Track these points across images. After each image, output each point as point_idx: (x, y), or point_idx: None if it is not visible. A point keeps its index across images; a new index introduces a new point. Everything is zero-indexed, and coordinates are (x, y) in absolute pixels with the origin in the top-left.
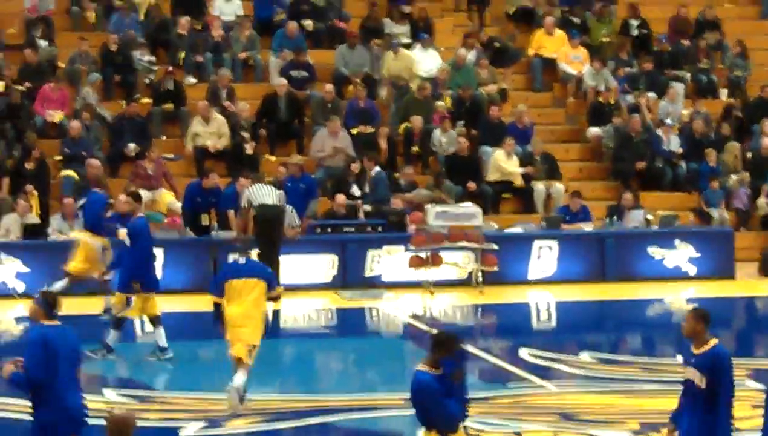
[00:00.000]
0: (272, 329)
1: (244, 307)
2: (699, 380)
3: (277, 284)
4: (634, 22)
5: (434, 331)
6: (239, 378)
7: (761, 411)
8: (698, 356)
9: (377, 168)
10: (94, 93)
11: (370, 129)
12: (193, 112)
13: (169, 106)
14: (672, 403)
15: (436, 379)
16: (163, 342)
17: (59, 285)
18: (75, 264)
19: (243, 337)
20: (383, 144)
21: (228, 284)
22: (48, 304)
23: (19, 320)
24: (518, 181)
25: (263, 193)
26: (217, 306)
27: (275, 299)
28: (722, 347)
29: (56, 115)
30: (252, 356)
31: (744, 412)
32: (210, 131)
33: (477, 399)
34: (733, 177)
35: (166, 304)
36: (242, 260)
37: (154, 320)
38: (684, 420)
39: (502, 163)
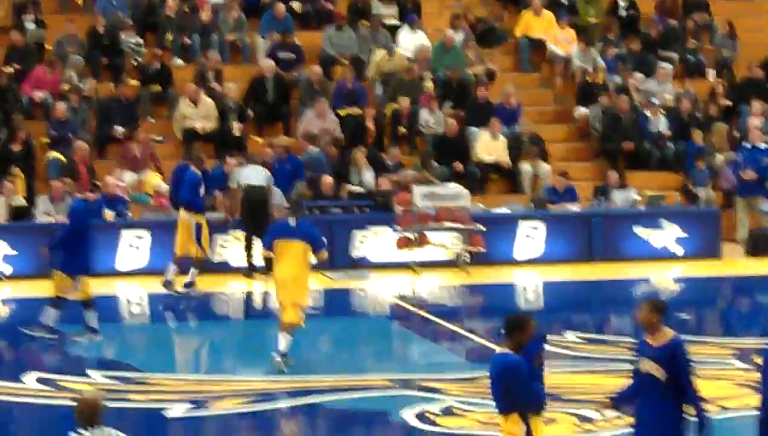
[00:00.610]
0: (258, 310)
1: (290, 268)
2: (658, 371)
3: (323, 247)
4: (623, 3)
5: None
6: (282, 343)
7: (746, 390)
8: (657, 349)
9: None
10: (76, 75)
11: (357, 111)
12: (180, 94)
13: (157, 88)
14: None
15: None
16: (50, 322)
17: (172, 270)
18: (179, 247)
19: (290, 297)
20: (371, 125)
21: (276, 244)
22: None
23: (6, 302)
24: (504, 163)
25: (251, 175)
26: (268, 260)
27: (321, 262)
28: (679, 338)
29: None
30: (301, 316)
31: (729, 391)
32: (199, 114)
33: (463, 379)
34: (720, 157)
35: (153, 285)
36: (292, 222)
37: (58, 302)
38: (645, 413)
39: (482, 152)
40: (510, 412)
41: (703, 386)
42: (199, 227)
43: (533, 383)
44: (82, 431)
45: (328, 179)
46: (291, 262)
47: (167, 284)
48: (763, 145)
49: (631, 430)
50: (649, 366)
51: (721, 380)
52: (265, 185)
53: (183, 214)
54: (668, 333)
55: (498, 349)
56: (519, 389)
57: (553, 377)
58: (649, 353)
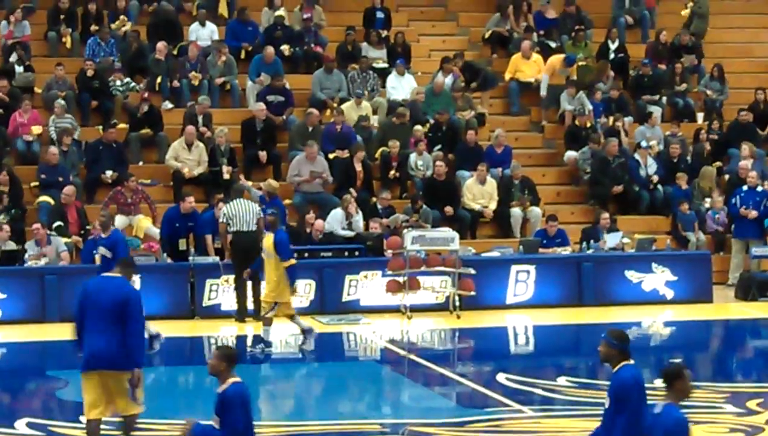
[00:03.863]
0: (248, 354)
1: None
2: (214, 419)
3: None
4: (612, 46)
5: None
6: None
7: (740, 435)
8: (217, 395)
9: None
10: (57, 118)
11: (346, 154)
12: (172, 137)
13: (147, 131)
14: None
15: None
16: None
17: None
18: None
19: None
20: (359, 167)
21: None
22: None
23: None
24: (491, 209)
25: (241, 213)
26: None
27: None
28: (236, 386)
29: (35, 130)
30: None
31: None
32: (191, 158)
33: (454, 424)
34: (707, 201)
35: (158, 329)
36: None
37: None
38: None
39: (469, 199)
40: None
41: (696, 431)
42: None
43: None
44: None
45: (319, 224)
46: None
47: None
48: (759, 188)
49: None
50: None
51: (713, 424)
52: (255, 229)
53: None
54: (230, 381)
55: None
56: None
57: (543, 421)
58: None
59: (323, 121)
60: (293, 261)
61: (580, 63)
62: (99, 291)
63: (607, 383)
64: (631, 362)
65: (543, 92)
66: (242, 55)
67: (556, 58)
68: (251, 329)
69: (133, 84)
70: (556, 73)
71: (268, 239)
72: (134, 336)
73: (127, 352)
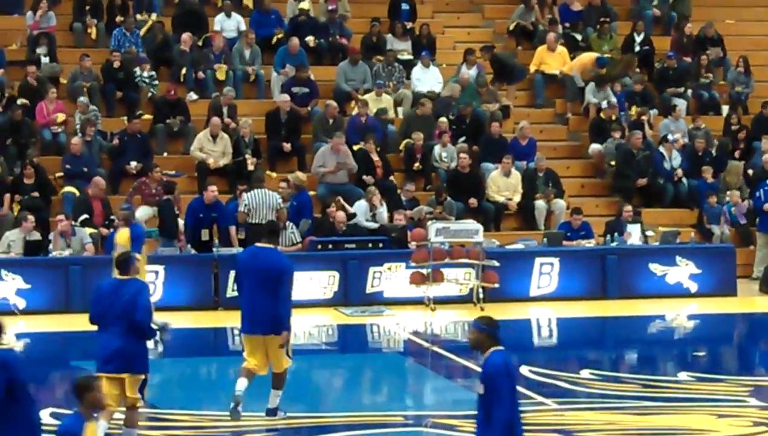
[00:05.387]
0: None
1: None
2: None
3: None
4: (638, 39)
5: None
6: None
7: (763, 428)
8: None
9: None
10: (82, 115)
11: (370, 145)
12: (196, 128)
13: (172, 122)
14: (672, 420)
15: None
16: None
17: None
18: None
19: None
20: (375, 157)
21: None
22: None
23: (19, 336)
24: (515, 201)
25: (262, 205)
26: None
27: None
28: None
29: (59, 117)
30: None
31: (745, 430)
32: (216, 149)
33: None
34: (728, 194)
35: (167, 320)
36: None
37: None
38: None
39: (493, 191)
40: None
41: (720, 425)
42: None
43: None
44: None
45: (341, 215)
46: None
47: None
48: None
49: None
50: None
51: (737, 418)
52: (273, 221)
53: None
54: None
55: None
56: None
57: (567, 414)
58: None
59: (348, 112)
60: (139, 257)
61: (605, 55)
62: (254, 260)
63: (632, 375)
64: (501, 348)
65: (581, 84)
66: (269, 45)
67: (588, 58)
68: None
69: (157, 80)
70: (587, 72)
71: (123, 235)
72: (287, 302)
73: (281, 317)
